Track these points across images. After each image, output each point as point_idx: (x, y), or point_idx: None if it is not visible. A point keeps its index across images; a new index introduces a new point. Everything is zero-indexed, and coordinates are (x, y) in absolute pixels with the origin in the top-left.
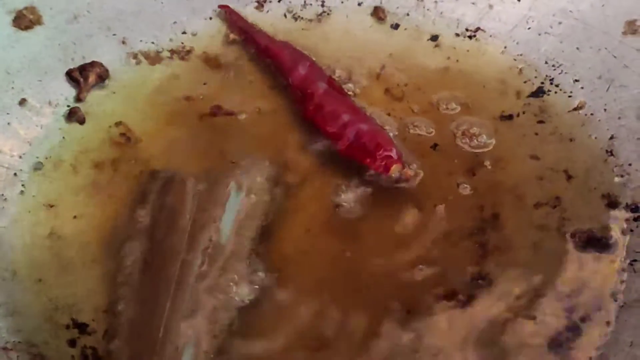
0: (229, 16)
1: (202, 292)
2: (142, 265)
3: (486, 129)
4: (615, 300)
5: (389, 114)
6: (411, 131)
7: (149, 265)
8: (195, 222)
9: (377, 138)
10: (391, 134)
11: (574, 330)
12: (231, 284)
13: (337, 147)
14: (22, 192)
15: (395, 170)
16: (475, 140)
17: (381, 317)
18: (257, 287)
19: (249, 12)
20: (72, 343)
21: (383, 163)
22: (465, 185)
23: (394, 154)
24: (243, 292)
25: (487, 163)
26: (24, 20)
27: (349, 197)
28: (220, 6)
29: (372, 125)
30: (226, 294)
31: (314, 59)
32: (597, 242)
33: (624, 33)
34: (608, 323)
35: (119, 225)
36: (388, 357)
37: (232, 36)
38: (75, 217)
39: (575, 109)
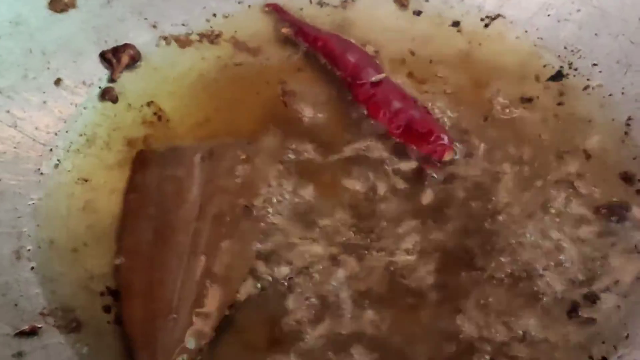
0: (278, 13)
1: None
2: (152, 235)
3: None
4: None
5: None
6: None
7: (160, 235)
8: (204, 194)
9: (429, 125)
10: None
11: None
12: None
13: (390, 132)
14: (57, 167)
15: (448, 155)
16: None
17: None
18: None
19: (277, 0)
20: (107, 309)
21: (437, 149)
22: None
23: (446, 140)
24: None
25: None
26: (59, 4)
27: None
28: (268, 5)
29: (422, 112)
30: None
31: None
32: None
33: None
34: None
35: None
36: None
37: (284, 30)
38: (108, 191)
39: (593, 92)
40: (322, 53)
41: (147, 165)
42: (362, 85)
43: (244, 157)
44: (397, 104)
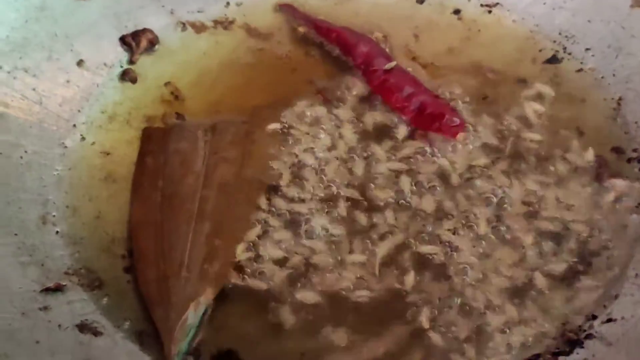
0: (291, 12)
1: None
2: (161, 204)
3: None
4: None
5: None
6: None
7: (168, 203)
8: (208, 165)
9: (440, 108)
10: None
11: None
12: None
13: (403, 116)
14: (80, 141)
15: (461, 136)
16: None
17: None
18: None
19: None
20: (127, 270)
21: (450, 130)
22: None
23: (458, 122)
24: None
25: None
26: None
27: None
28: (281, 5)
29: (433, 97)
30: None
31: None
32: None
33: (632, 6)
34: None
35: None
36: None
37: (300, 29)
38: (128, 163)
39: (586, 74)
40: (337, 44)
41: (154, 140)
42: (374, 72)
43: (244, 131)
44: (409, 89)
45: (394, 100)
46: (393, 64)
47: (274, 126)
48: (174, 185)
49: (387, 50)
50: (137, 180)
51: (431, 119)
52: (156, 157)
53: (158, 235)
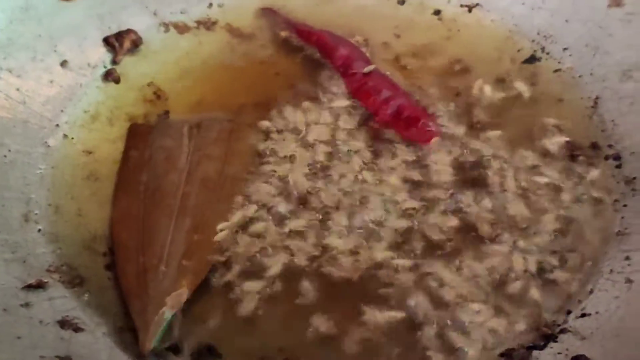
0: (273, 16)
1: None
2: (144, 198)
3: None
4: None
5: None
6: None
7: (151, 198)
8: (192, 162)
9: (417, 112)
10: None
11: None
12: (233, 207)
13: (379, 118)
14: (63, 140)
15: (434, 140)
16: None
17: None
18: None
19: None
20: (108, 267)
21: (424, 135)
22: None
23: (434, 127)
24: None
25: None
26: None
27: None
28: (263, 9)
29: (411, 100)
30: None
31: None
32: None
33: (609, 6)
34: None
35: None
36: None
37: (283, 34)
38: (111, 162)
39: (563, 73)
40: (317, 47)
41: (140, 137)
42: (353, 75)
43: (228, 129)
44: (386, 92)
45: (371, 103)
46: (372, 67)
47: (264, 124)
48: (157, 181)
49: (367, 53)
50: (122, 174)
51: (407, 123)
52: (141, 153)
53: (139, 229)
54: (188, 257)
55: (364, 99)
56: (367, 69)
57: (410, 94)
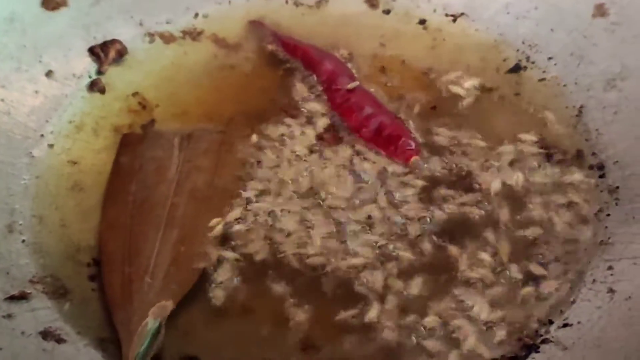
0: (260, 29)
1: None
2: (132, 209)
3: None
4: None
5: (385, 88)
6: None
7: (139, 209)
8: (181, 173)
9: (398, 130)
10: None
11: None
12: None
13: (361, 135)
14: (48, 151)
15: (414, 160)
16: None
17: None
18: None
19: (255, 1)
20: (92, 278)
21: (404, 154)
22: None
23: (413, 145)
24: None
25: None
26: (52, 2)
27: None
28: (251, 22)
29: (393, 118)
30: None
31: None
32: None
33: (594, 15)
34: None
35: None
36: None
37: (270, 47)
38: (96, 172)
39: (548, 83)
40: (302, 61)
41: (131, 146)
42: (337, 91)
43: (218, 141)
44: (369, 109)
45: (353, 119)
46: (356, 83)
47: (254, 139)
48: (146, 191)
49: (351, 68)
50: (112, 184)
51: (388, 141)
52: (132, 163)
53: (126, 239)
54: (174, 269)
55: (346, 115)
56: (350, 85)
57: (392, 112)
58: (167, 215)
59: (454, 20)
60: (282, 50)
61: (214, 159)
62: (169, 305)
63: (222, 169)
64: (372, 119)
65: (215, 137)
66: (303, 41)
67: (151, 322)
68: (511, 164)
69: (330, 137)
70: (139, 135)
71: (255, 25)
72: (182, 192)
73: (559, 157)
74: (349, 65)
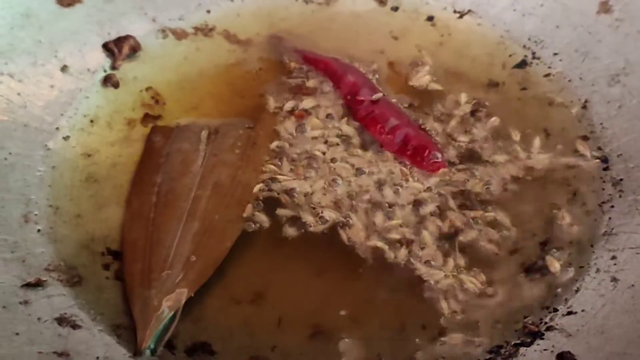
0: (281, 45)
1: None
2: (156, 199)
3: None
4: None
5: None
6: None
7: (163, 199)
8: (206, 166)
9: (423, 141)
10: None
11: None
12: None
13: (387, 147)
14: (63, 143)
15: (441, 171)
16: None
17: None
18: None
19: None
20: (106, 267)
21: (431, 166)
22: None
23: (440, 157)
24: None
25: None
26: None
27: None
28: (271, 36)
29: (417, 129)
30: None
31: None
32: None
33: (598, 12)
34: None
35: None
36: None
37: (293, 65)
38: (109, 165)
39: (553, 78)
40: (325, 74)
41: (159, 138)
42: (361, 102)
43: (245, 135)
44: (394, 121)
45: (378, 131)
46: (379, 95)
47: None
48: (171, 183)
49: (374, 81)
50: (138, 174)
51: (414, 153)
52: (159, 155)
53: (149, 228)
54: (193, 259)
55: (371, 126)
56: (374, 97)
57: (415, 122)
58: (190, 208)
59: (461, 17)
60: (304, 64)
61: (239, 154)
62: (184, 293)
63: (246, 164)
64: (397, 131)
65: (242, 132)
66: (323, 54)
67: (167, 310)
68: (516, 155)
69: None
70: (168, 127)
71: (276, 41)
72: (205, 186)
73: (562, 149)
74: (375, 77)
